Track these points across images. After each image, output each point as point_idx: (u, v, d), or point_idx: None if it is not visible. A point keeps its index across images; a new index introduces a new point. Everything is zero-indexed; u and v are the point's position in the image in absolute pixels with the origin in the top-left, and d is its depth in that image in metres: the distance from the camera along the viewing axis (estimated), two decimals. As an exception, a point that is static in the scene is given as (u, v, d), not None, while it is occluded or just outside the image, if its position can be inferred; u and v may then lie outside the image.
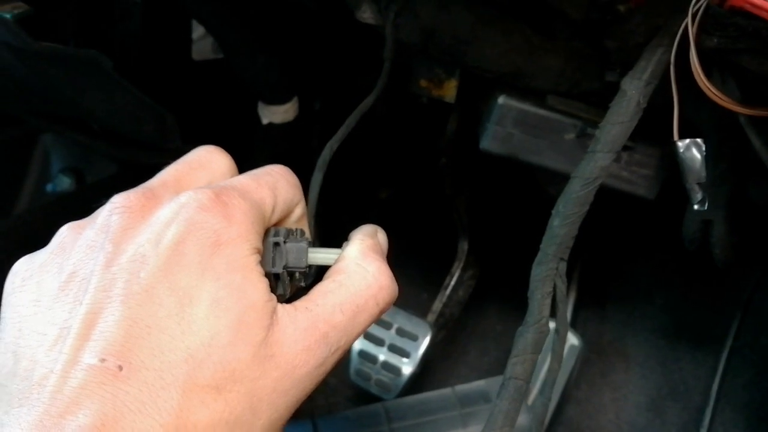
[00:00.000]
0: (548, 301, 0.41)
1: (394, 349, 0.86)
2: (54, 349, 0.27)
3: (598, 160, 0.41)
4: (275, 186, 0.35)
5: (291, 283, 0.35)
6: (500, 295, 0.99)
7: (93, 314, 0.27)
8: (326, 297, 0.33)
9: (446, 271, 0.96)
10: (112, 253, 0.29)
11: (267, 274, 0.32)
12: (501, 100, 0.58)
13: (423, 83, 0.68)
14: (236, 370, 0.28)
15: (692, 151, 0.41)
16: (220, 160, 0.37)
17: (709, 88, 0.39)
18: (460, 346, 0.97)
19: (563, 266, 0.42)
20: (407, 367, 0.85)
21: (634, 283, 0.95)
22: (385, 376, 0.85)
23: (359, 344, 0.87)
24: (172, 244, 0.29)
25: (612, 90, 0.45)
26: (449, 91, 0.69)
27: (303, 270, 0.35)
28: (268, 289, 0.31)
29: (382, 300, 0.35)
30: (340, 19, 0.64)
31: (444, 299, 0.94)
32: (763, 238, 0.69)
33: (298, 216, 0.38)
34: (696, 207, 0.42)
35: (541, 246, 0.42)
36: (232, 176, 0.36)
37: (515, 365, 0.39)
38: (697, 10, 0.38)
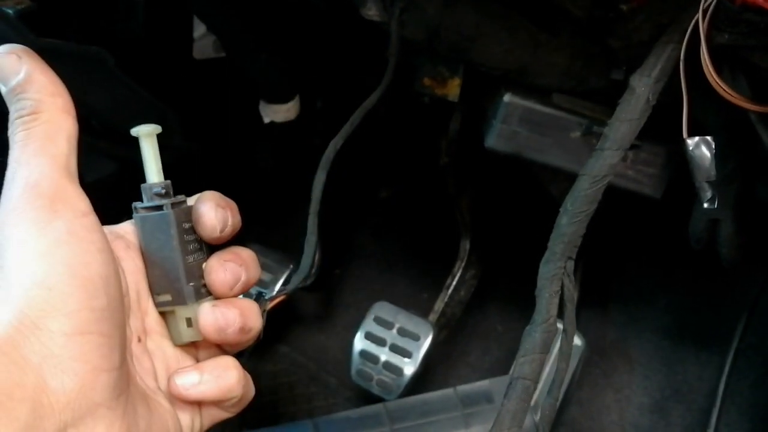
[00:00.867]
0: (556, 300, 0.41)
1: (395, 349, 0.86)
2: None
3: (606, 158, 0.41)
4: None
5: None
6: (502, 295, 0.98)
7: None
8: None
9: (448, 271, 0.95)
10: None
11: None
12: (507, 97, 0.58)
13: (426, 81, 0.68)
14: None
15: (702, 149, 0.41)
16: None
17: (720, 85, 0.39)
18: (462, 345, 0.96)
19: (571, 265, 0.41)
20: (409, 367, 0.85)
21: (637, 283, 0.95)
22: (387, 377, 0.85)
23: (360, 344, 0.87)
24: None
25: (618, 88, 0.45)
26: (453, 89, 0.68)
27: None
28: None
29: None
30: (344, 17, 0.64)
31: (446, 299, 0.94)
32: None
33: None
34: (705, 205, 0.41)
35: (549, 244, 0.41)
36: None
37: (523, 365, 0.39)
38: (708, 6, 0.37)
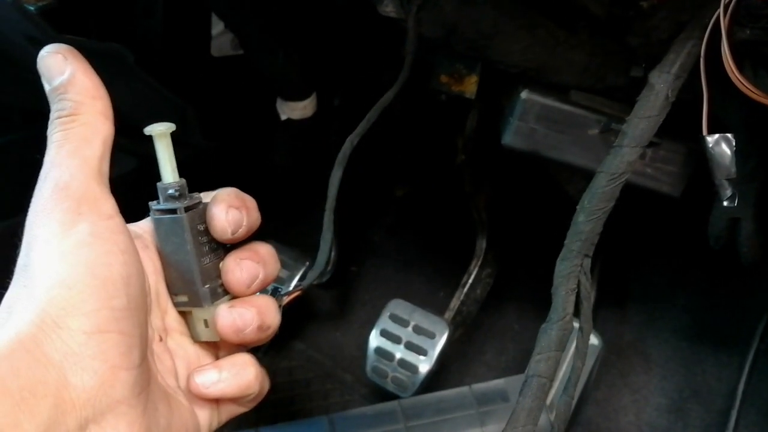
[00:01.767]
0: (572, 298, 0.40)
1: (410, 346, 0.86)
2: None
3: (624, 155, 0.40)
4: None
5: None
6: (518, 294, 0.98)
7: None
8: None
9: (464, 269, 0.95)
10: None
11: None
12: (524, 95, 0.57)
13: (443, 79, 0.68)
14: None
15: (722, 146, 0.40)
16: None
17: (741, 82, 0.38)
18: (478, 344, 0.96)
19: (587, 263, 0.41)
20: (424, 365, 0.85)
21: (655, 282, 0.94)
22: (402, 374, 0.85)
23: (376, 341, 0.87)
24: None
25: (637, 85, 0.44)
26: (470, 86, 0.68)
27: None
28: None
29: None
30: (361, 14, 0.64)
31: (461, 297, 0.94)
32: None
33: None
34: (726, 204, 0.41)
35: (566, 242, 0.41)
36: None
37: (539, 363, 0.39)
38: (730, 1, 0.37)
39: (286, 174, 1.00)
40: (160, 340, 0.38)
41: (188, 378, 0.38)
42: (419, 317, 0.87)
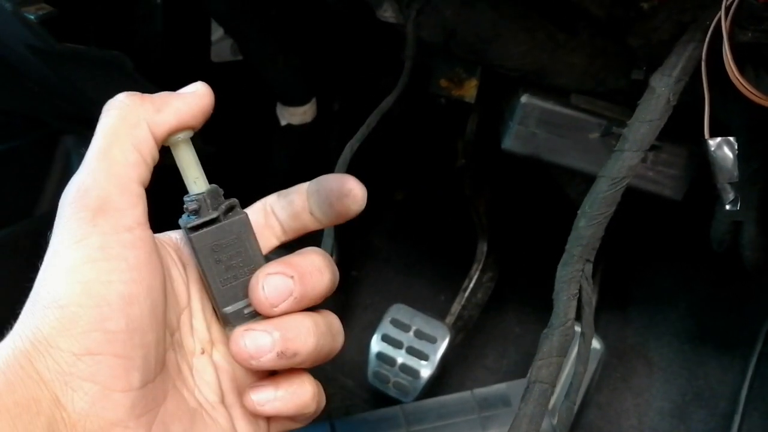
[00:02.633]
0: (574, 303, 0.40)
1: (412, 351, 0.86)
2: None
3: (626, 159, 0.40)
4: None
5: None
6: (519, 298, 0.98)
7: None
8: None
9: (465, 273, 0.95)
10: None
11: None
12: (524, 98, 0.57)
13: (443, 83, 0.68)
14: None
15: (724, 149, 0.40)
16: None
17: (742, 84, 0.38)
18: (479, 348, 0.96)
19: (589, 268, 0.41)
20: (426, 370, 0.85)
21: (657, 285, 0.94)
22: (404, 379, 0.85)
23: (377, 346, 0.87)
24: None
25: (638, 88, 0.44)
26: (469, 90, 0.68)
27: None
28: None
29: None
30: (360, 19, 0.64)
31: (462, 301, 0.94)
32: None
33: None
34: (728, 207, 0.41)
35: (567, 247, 0.41)
36: None
37: (540, 368, 0.38)
38: (731, 3, 0.37)
39: (286, 179, 1.00)
40: (203, 353, 0.36)
41: (243, 394, 0.35)
42: (420, 322, 0.87)
